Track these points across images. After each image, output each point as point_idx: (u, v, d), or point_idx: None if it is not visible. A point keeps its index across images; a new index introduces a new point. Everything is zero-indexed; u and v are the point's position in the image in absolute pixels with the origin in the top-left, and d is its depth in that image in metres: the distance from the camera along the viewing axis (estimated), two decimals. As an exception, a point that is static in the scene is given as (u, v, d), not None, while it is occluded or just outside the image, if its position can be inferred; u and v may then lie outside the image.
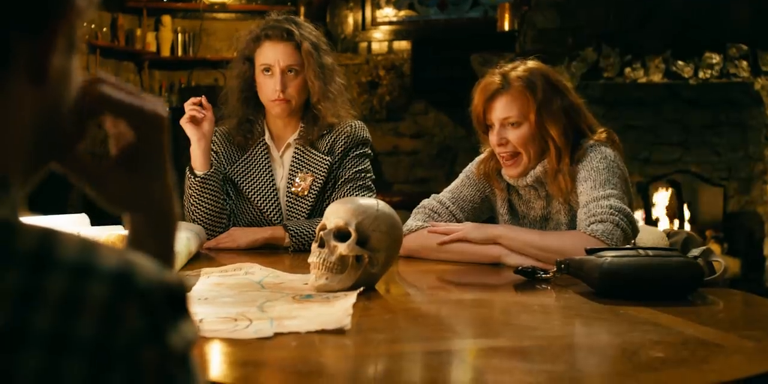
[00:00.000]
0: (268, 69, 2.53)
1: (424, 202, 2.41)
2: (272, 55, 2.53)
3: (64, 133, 0.71)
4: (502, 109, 2.22)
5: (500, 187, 2.36)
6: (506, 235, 2.13)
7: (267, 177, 2.60)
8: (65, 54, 0.66)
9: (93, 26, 6.46)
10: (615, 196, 2.07)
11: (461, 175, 2.43)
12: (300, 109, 2.60)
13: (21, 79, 0.62)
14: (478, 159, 2.43)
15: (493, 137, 2.24)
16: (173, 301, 0.58)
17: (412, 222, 2.32)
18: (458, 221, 2.35)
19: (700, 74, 5.34)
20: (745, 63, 5.30)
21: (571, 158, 2.20)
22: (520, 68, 2.25)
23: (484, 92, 2.25)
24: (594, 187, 2.10)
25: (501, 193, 2.36)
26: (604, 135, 2.24)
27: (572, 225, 2.21)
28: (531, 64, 2.27)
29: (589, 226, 2.02)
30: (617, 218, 2.02)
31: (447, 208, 2.36)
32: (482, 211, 2.41)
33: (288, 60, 2.53)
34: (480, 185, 2.39)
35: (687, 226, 5.70)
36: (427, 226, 2.28)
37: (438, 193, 2.44)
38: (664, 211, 5.85)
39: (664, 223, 5.76)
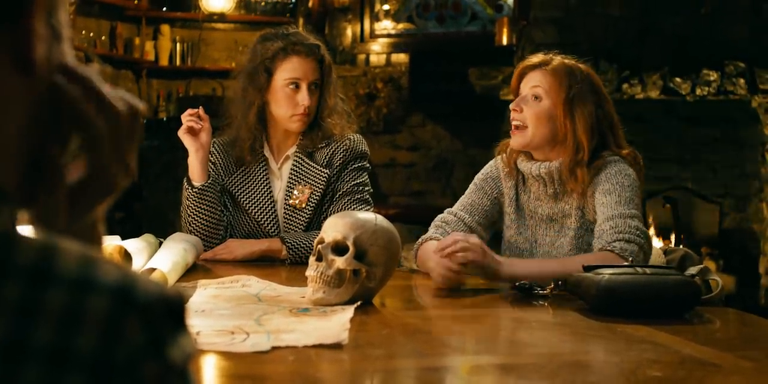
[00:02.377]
0: (295, 83, 2.53)
1: (438, 215, 2.42)
2: (301, 70, 2.53)
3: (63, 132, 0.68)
4: (533, 79, 2.26)
5: (512, 178, 2.36)
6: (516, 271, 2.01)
7: (265, 189, 2.59)
8: (51, 42, 0.65)
9: (92, 34, 6.47)
10: (638, 218, 2.07)
11: (470, 185, 2.45)
12: None
13: (7, 71, 0.62)
14: (486, 167, 2.44)
15: (512, 103, 2.27)
16: (173, 315, 0.58)
17: (425, 235, 2.34)
18: (469, 226, 2.34)
19: (698, 91, 5.35)
20: (742, 80, 5.32)
21: (588, 163, 2.20)
22: (568, 59, 2.29)
23: (523, 65, 2.30)
24: (619, 202, 2.09)
25: (509, 191, 2.36)
26: (627, 152, 2.24)
27: (580, 232, 2.21)
28: (582, 64, 2.30)
29: (615, 241, 2.01)
30: (642, 241, 2.01)
31: (456, 215, 2.37)
32: (493, 215, 2.40)
33: (314, 75, 2.55)
34: (487, 188, 2.40)
35: (682, 243, 5.70)
36: (434, 236, 2.28)
37: (435, 206, 2.45)
38: (660, 227, 5.85)
39: (659, 240, 5.76)
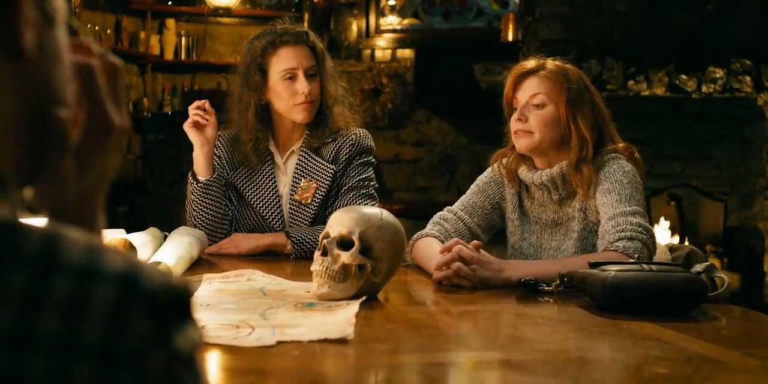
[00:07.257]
0: (291, 74, 2.50)
1: (438, 213, 2.41)
2: (294, 58, 2.51)
3: (59, 119, 0.68)
4: (531, 87, 2.23)
5: (514, 186, 2.35)
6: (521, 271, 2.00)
7: (270, 184, 2.59)
8: (42, 27, 0.65)
9: (97, 28, 6.47)
10: (640, 214, 2.06)
11: (472, 186, 2.44)
12: None
13: None
14: (489, 170, 2.43)
15: (514, 114, 2.24)
16: (179, 304, 0.58)
17: (421, 231, 2.33)
18: (467, 226, 2.35)
19: (704, 88, 5.34)
20: (748, 78, 5.31)
21: (591, 159, 2.20)
22: (558, 61, 2.28)
23: (517, 72, 2.27)
24: (619, 200, 2.09)
25: (512, 197, 2.36)
26: (623, 146, 2.24)
27: (584, 234, 2.20)
28: (569, 64, 2.29)
29: (618, 240, 2.00)
30: (645, 237, 2.00)
31: (455, 214, 2.36)
32: (493, 219, 2.40)
33: (308, 62, 2.52)
34: (490, 192, 2.39)
35: (686, 240, 5.69)
36: (431, 233, 2.28)
37: (439, 201, 2.44)
38: (665, 225, 5.84)
39: (664, 237, 5.75)
